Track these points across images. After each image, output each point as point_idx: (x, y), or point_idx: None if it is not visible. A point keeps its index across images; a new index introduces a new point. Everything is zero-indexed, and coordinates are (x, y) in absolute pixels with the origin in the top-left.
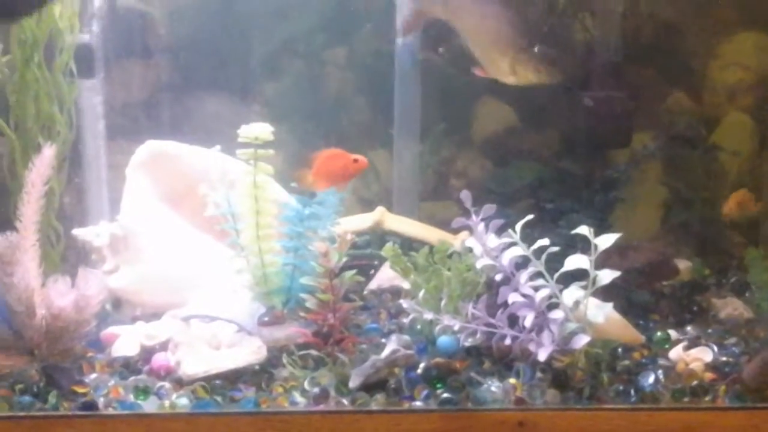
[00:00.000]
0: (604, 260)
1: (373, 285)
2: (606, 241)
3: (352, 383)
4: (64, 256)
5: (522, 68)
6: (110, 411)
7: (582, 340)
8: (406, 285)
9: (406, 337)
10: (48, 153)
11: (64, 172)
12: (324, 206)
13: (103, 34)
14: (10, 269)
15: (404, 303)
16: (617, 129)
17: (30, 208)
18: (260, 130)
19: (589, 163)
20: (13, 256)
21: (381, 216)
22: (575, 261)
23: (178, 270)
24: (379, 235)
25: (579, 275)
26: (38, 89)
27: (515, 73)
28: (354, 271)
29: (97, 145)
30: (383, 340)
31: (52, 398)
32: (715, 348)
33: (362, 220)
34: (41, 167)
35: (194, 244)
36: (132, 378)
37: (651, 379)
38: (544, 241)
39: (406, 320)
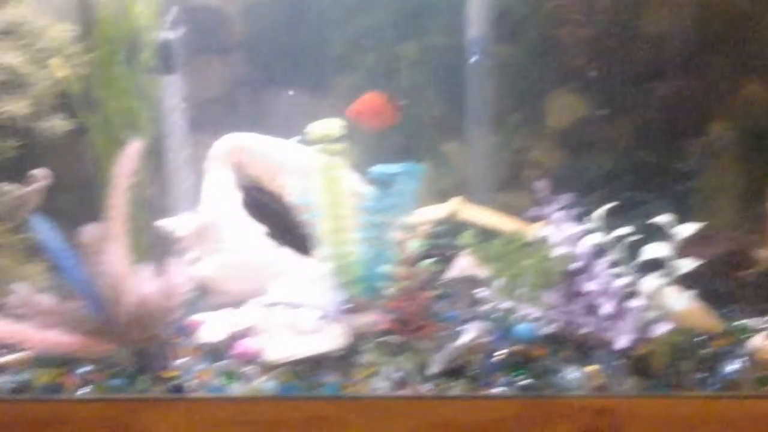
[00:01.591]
0: (683, 249)
1: (450, 274)
2: (686, 229)
3: (432, 369)
4: (150, 245)
5: None
6: (199, 394)
7: (661, 328)
8: (483, 273)
9: (485, 325)
10: (133, 147)
11: (149, 164)
12: (401, 197)
13: (183, 31)
14: (98, 258)
15: (482, 291)
16: (691, 119)
17: (117, 199)
18: (329, 126)
19: (665, 153)
20: (101, 245)
21: (456, 206)
22: (654, 249)
23: (260, 258)
24: (454, 226)
25: (658, 264)
26: (122, 85)
27: None
28: (432, 260)
29: (179, 138)
30: (462, 328)
31: (142, 382)
32: None
33: (438, 211)
34: (127, 160)
35: None
36: (218, 362)
37: (731, 367)
38: (623, 230)
39: (484, 308)
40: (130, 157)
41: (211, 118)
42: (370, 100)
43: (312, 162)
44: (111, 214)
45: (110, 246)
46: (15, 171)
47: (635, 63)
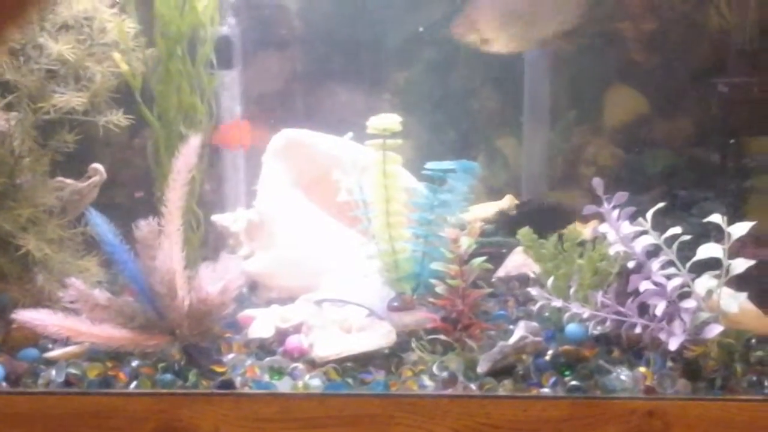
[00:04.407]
0: (737, 249)
1: (500, 272)
2: (740, 229)
3: (480, 368)
4: (204, 241)
5: None
6: (247, 390)
7: (714, 330)
8: (533, 272)
9: (535, 324)
10: (194, 142)
11: (204, 160)
12: (454, 194)
13: (240, 26)
14: (152, 253)
15: (533, 290)
16: (753, 116)
17: (175, 194)
18: (389, 121)
19: (722, 151)
20: (156, 240)
21: (509, 204)
22: (708, 250)
23: (311, 255)
24: (506, 223)
25: (712, 264)
26: (181, 81)
27: None
28: (483, 258)
29: None
30: (511, 327)
31: (192, 376)
32: None
33: (490, 208)
34: (187, 155)
35: (327, 230)
36: (267, 359)
37: None
38: (676, 230)
39: (534, 307)
40: (189, 152)
41: (268, 113)
42: (234, 126)
43: (366, 158)
44: (167, 209)
45: (165, 241)
46: (73, 165)
47: (697, 58)
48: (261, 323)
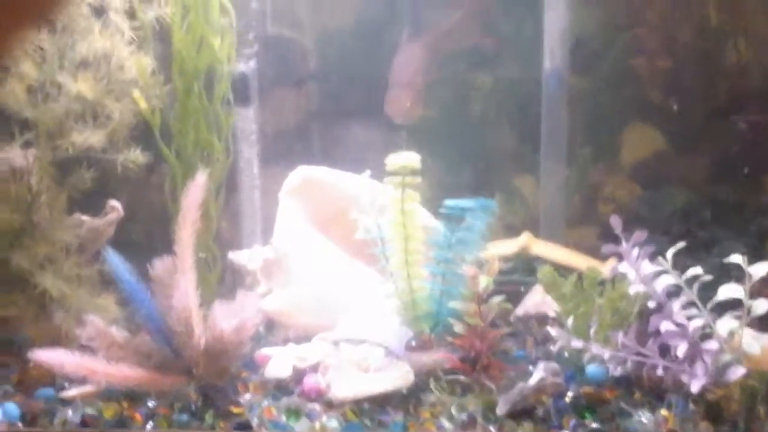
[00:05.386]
0: (759, 289)
1: (519, 311)
2: (761, 269)
3: (500, 410)
4: (221, 278)
5: None
6: (264, 431)
7: (737, 372)
8: (554, 311)
9: (554, 365)
10: (202, 178)
11: (220, 197)
12: (472, 232)
13: (257, 63)
14: (168, 291)
15: (552, 330)
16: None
17: (186, 232)
18: (407, 159)
19: (743, 189)
20: (171, 278)
21: (527, 241)
22: (729, 290)
23: (329, 293)
24: (525, 261)
25: (733, 305)
26: (198, 117)
27: None
28: (502, 297)
29: (252, 171)
30: (531, 368)
31: (209, 417)
32: None
33: (508, 246)
34: (195, 191)
35: (344, 268)
36: (284, 399)
37: None
38: (697, 270)
39: (553, 348)
40: (197, 188)
41: (285, 150)
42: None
43: (383, 196)
44: (179, 248)
45: (179, 279)
46: (90, 202)
47: (713, 95)
48: (278, 362)
